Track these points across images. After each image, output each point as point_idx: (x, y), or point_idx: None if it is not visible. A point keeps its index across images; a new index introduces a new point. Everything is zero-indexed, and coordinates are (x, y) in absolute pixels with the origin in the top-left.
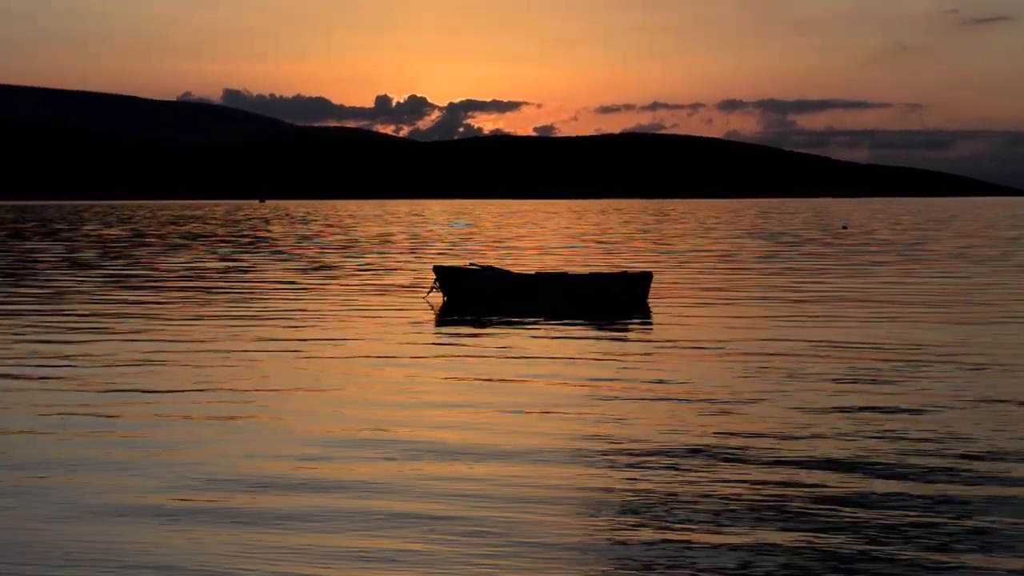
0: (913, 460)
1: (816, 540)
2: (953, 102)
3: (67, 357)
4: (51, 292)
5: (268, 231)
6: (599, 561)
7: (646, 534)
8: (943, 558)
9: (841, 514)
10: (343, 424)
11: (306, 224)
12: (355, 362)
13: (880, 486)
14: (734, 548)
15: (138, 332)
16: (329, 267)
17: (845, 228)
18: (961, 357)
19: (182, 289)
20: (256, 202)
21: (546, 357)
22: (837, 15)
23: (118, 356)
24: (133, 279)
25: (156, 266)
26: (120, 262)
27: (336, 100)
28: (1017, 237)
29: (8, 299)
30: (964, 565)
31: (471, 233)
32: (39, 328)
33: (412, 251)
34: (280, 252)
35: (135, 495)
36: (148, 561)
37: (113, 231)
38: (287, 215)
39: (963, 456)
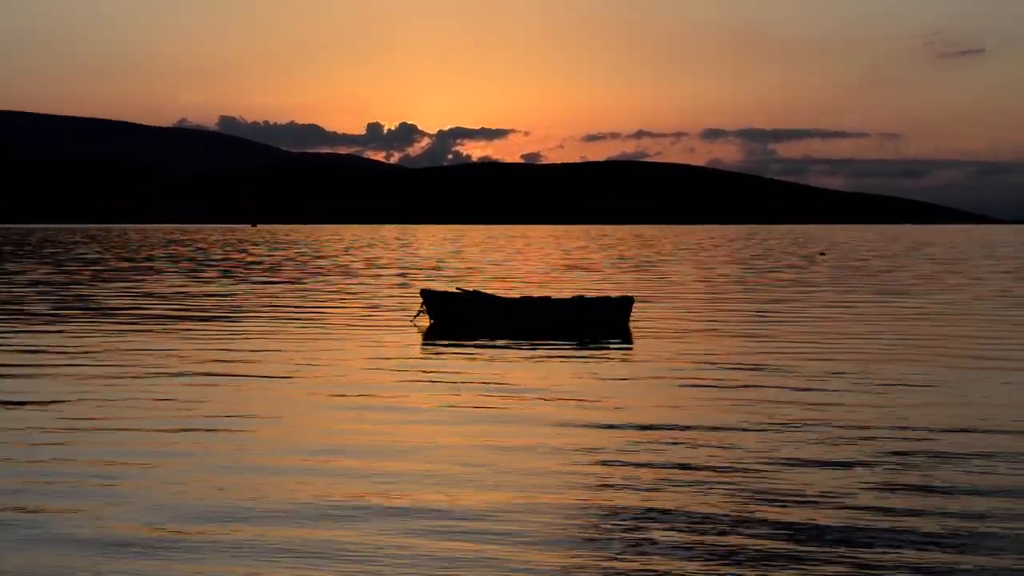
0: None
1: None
2: (928, 132)
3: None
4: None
5: (257, 254)
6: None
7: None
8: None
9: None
10: (331, 436)
11: (298, 248)
12: (344, 381)
13: (866, 517)
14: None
15: (123, 356)
16: (321, 290)
17: (823, 255)
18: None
19: (161, 317)
20: (248, 227)
21: (526, 379)
22: (816, 47)
23: (113, 380)
24: (115, 308)
25: (143, 289)
26: (105, 287)
27: (328, 127)
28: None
29: None
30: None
31: (459, 256)
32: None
33: (401, 275)
34: (271, 275)
35: (118, 523)
36: None
37: (100, 254)
38: (273, 238)
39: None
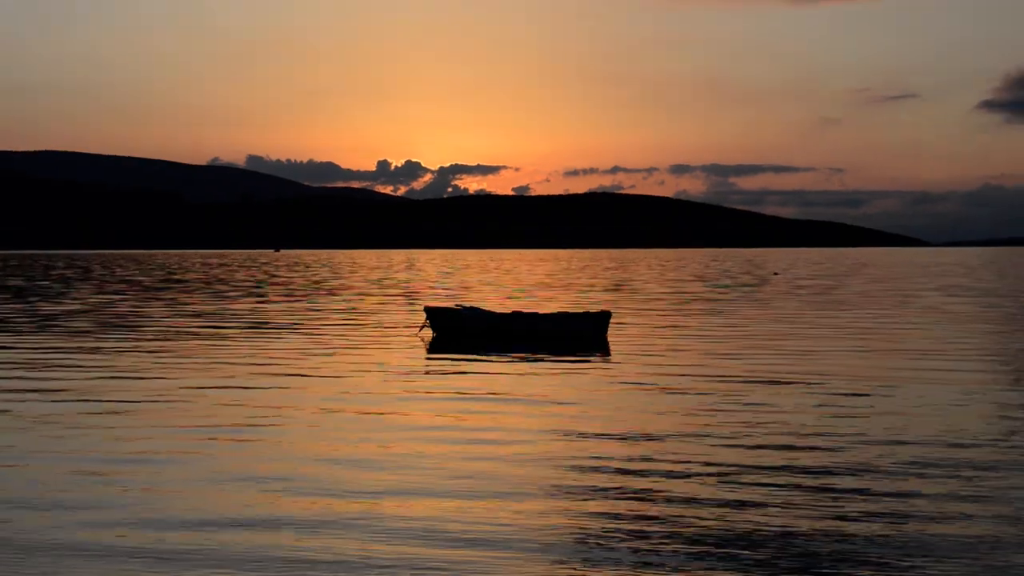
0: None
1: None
2: (868, 167)
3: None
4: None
5: (281, 277)
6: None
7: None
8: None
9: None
10: (343, 435)
11: (316, 270)
12: (353, 388)
13: (846, 525)
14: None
15: (148, 368)
16: (336, 308)
17: (776, 275)
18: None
19: (185, 333)
20: (272, 251)
21: (517, 384)
22: (769, 95)
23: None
24: (141, 326)
25: (174, 308)
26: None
27: (343, 164)
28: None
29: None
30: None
31: (459, 276)
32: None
33: (407, 294)
34: (293, 294)
35: (116, 529)
36: None
37: (144, 278)
38: (296, 261)
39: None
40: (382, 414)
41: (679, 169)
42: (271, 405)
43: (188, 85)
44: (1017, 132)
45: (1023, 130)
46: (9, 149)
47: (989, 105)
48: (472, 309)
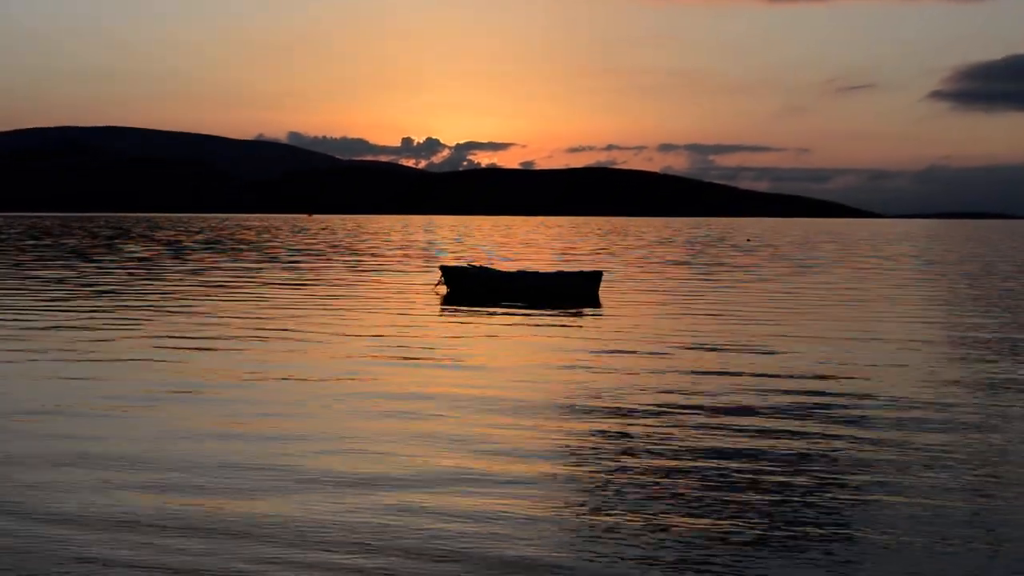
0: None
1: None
2: (831, 148)
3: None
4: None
5: (322, 239)
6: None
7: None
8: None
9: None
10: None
11: (348, 235)
12: (380, 335)
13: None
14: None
15: (198, 314)
16: (362, 266)
17: (749, 241)
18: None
19: (219, 285)
20: (305, 216)
21: (520, 332)
22: (746, 84)
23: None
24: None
25: (217, 267)
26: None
27: (372, 140)
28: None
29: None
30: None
31: (471, 238)
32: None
33: (425, 254)
34: (330, 256)
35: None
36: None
37: (196, 237)
38: (328, 226)
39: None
40: (404, 358)
41: (666, 147)
42: (330, 331)
43: (238, 68)
44: (962, 119)
45: (967, 118)
46: (78, 125)
47: (938, 95)
48: (483, 268)
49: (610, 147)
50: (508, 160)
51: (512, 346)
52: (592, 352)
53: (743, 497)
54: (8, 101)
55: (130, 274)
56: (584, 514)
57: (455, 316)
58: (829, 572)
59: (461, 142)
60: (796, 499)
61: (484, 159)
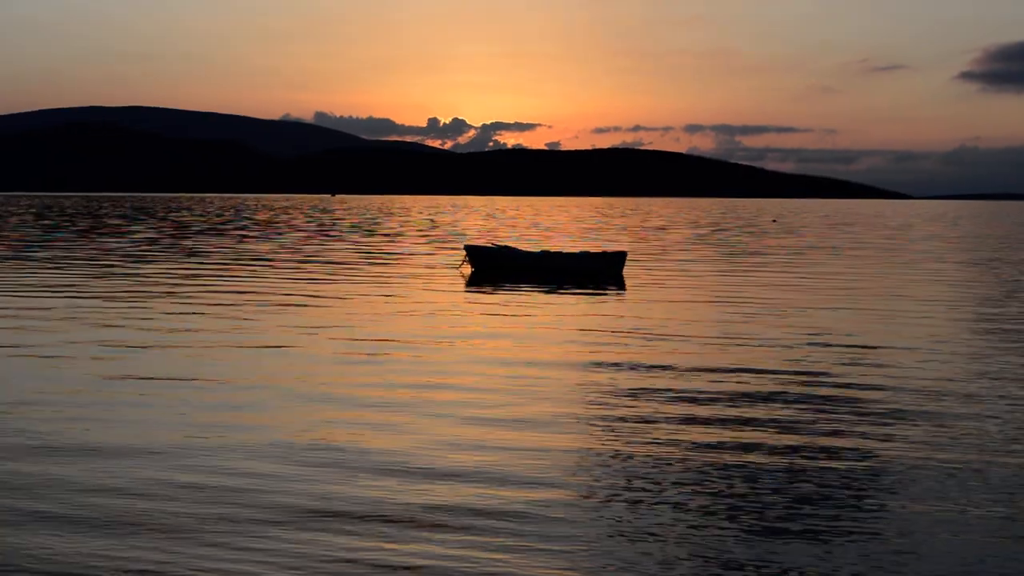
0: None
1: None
2: (858, 129)
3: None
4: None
5: (351, 219)
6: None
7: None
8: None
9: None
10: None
11: (372, 215)
12: (408, 310)
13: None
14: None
15: (215, 295)
16: (390, 245)
17: (775, 221)
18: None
19: (248, 263)
20: (328, 195)
21: (544, 312)
22: (773, 64)
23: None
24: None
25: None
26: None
27: (398, 120)
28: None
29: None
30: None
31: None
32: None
33: (451, 234)
34: (356, 232)
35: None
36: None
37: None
38: (353, 205)
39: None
40: (430, 337)
41: (692, 128)
42: (364, 311)
43: (265, 51)
44: (991, 100)
45: (996, 99)
46: (106, 104)
47: (967, 76)
48: (506, 248)
49: (636, 128)
50: (534, 140)
51: (536, 325)
52: (615, 332)
53: (765, 484)
54: (38, 83)
55: (184, 253)
56: (602, 507)
57: (479, 296)
58: (866, 567)
59: (487, 122)
60: (823, 487)
61: (510, 139)
